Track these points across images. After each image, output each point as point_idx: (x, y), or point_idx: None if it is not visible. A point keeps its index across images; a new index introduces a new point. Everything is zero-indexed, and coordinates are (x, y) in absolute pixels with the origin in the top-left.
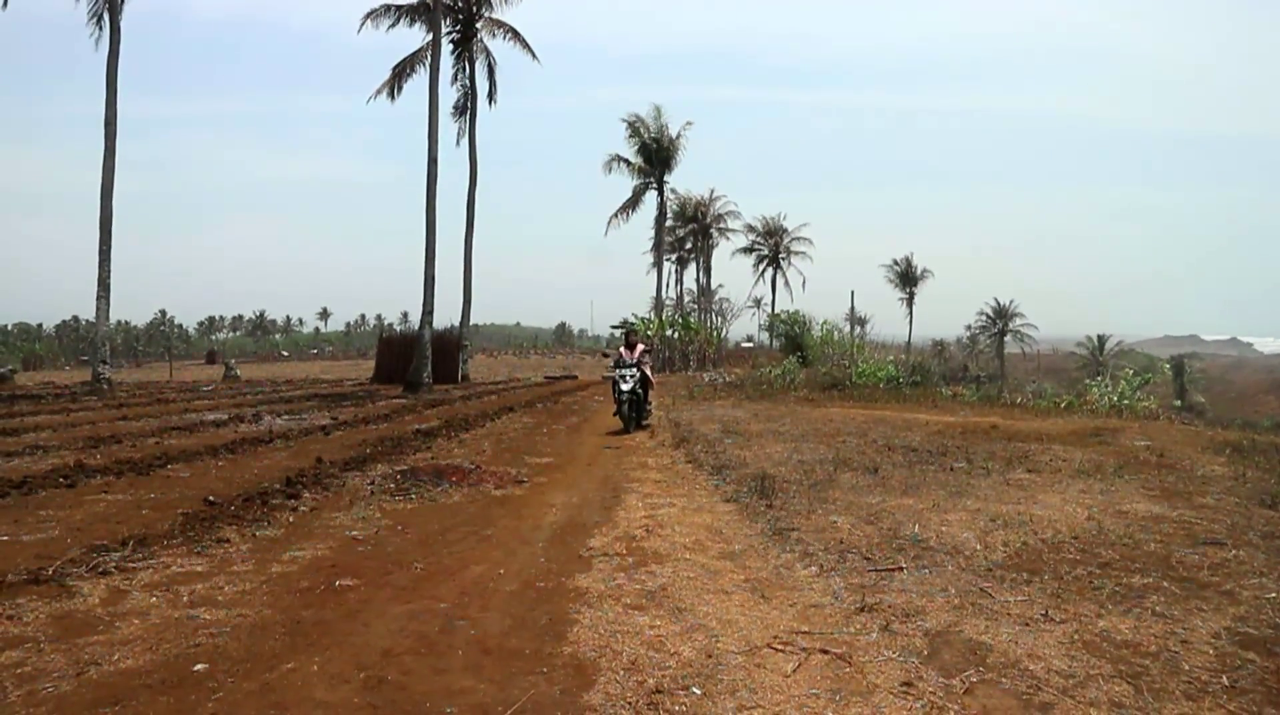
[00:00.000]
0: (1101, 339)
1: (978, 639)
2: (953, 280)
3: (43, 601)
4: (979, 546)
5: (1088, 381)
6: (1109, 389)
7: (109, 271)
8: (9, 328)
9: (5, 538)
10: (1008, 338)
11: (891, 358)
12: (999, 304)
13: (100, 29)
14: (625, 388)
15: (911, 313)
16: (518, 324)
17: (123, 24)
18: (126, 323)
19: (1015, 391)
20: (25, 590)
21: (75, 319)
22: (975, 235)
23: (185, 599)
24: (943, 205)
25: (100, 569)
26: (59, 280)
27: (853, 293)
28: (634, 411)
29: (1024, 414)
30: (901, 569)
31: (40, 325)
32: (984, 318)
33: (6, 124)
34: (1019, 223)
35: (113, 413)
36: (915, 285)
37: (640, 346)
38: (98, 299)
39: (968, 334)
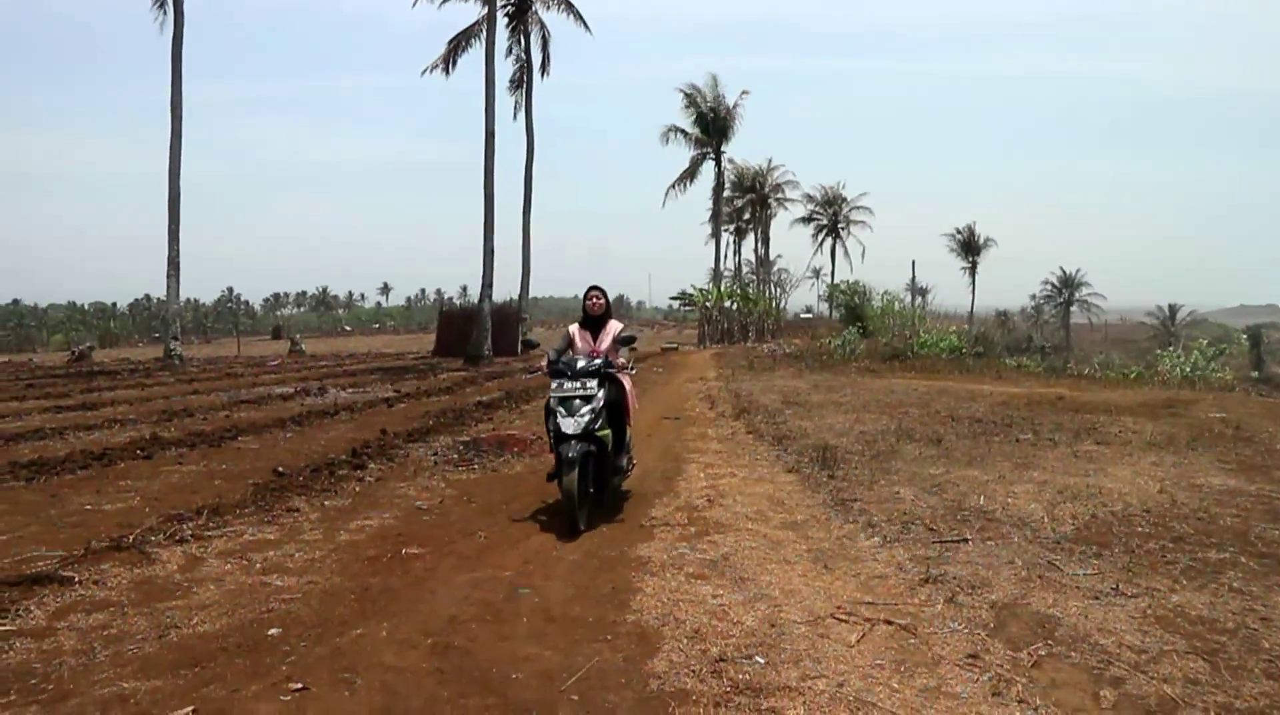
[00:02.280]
0: (1173, 308)
1: (1046, 612)
2: (1017, 249)
3: (125, 567)
4: (1046, 519)
5: (1158, 352)
6: (1181, 360)
7: (178, 251)
8: (86, 307)
9: (89, 507)
10: (1074, 308)
11: (954, 328)
12: (1065, 273)
13: (164, 13)
14: (569, 429)
15: (974, 282)
16: (575, 296)
17: (185, 8)
18: (196, 300)
19: (1082, 362)
20: (109, 556)
21: (147, 297)
22: (1041, 203)
23: (258, 566)
24: (1007, 173)
25: (177, 537)
26: (131, 260)
27: (914, 262)
28: (589, 478)
29: (1092, 385)
30: (967, 540)
31: (115, 304)
32: (1049, 287)
33: (79, 112)
34: (1087, 191)
35: (185, 387)
36: (978, 254)
37: (614, 325)
38: (168, 278)
39: (1032, 304)
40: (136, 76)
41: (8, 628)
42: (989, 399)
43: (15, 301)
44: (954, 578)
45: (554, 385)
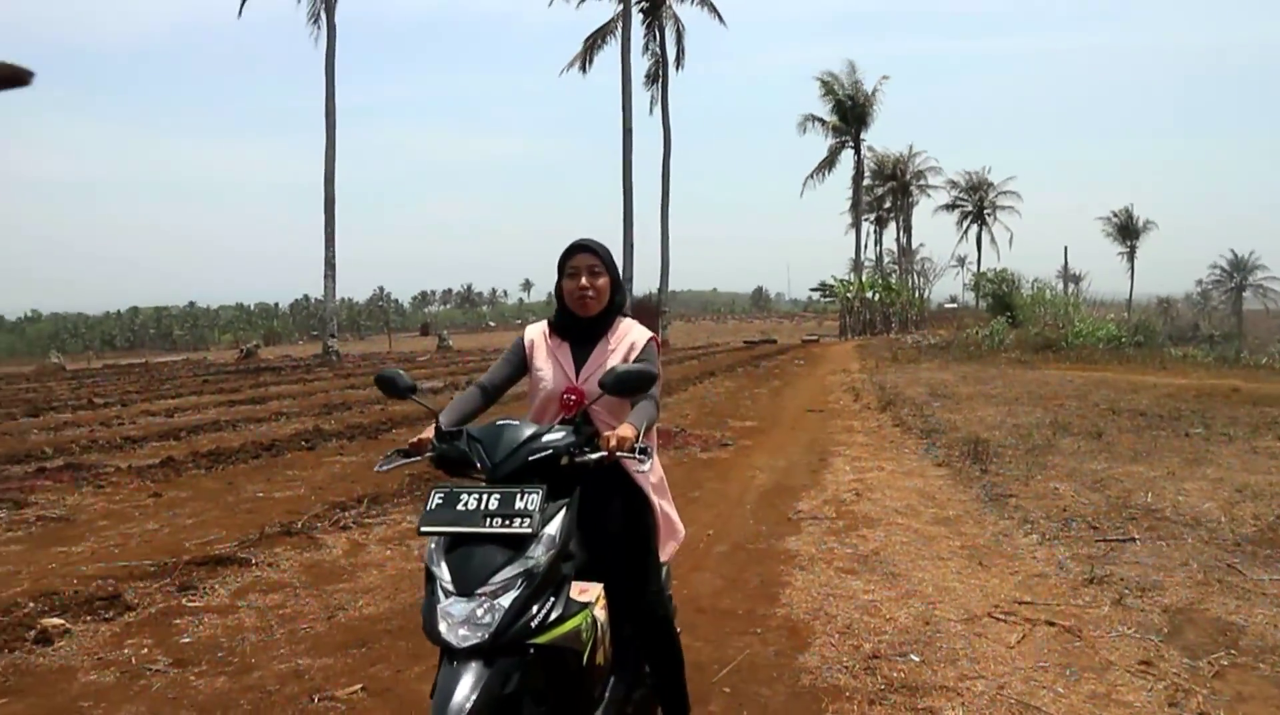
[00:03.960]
0: None
1: (1227, 619)
2: (1180, 232)
3: (295, 551)
4: (1223, 518)
5: None
6: None
7: (334, 252)
8: (252, 307)
9: (260, 494)
10: (1247, 293)
11: (1111, 316)
12: (1236, 256)
13: (318, 26)
14: (459, 639)
15: (1133, 268)
16: (714, 289)
17: (337, 20)
18: (350, 299)
19: (1258, 352)
20: (280, 541)
21: (306, 297)
22: (1209, 182)
23: (416, 552)
24: (1170, 151)
25: (341, 524)
26: (291, 262)
27: (1066, 248)
28: None
29: (1270, 376)
30: (1134, 540)
31: (277, 304)
32: (1218, 271)
33: (241, 121)
34: (1261, 166)
35: (342, 382)
36: (1136, 238)
37: (629, 334)
38: (325, 278)
39: (1198, 290)
40: (292, 88)
41: (197, 604)
42: (1153, 391)
43: (191, 303)
44: (1121, 579)
45: (433, 500)
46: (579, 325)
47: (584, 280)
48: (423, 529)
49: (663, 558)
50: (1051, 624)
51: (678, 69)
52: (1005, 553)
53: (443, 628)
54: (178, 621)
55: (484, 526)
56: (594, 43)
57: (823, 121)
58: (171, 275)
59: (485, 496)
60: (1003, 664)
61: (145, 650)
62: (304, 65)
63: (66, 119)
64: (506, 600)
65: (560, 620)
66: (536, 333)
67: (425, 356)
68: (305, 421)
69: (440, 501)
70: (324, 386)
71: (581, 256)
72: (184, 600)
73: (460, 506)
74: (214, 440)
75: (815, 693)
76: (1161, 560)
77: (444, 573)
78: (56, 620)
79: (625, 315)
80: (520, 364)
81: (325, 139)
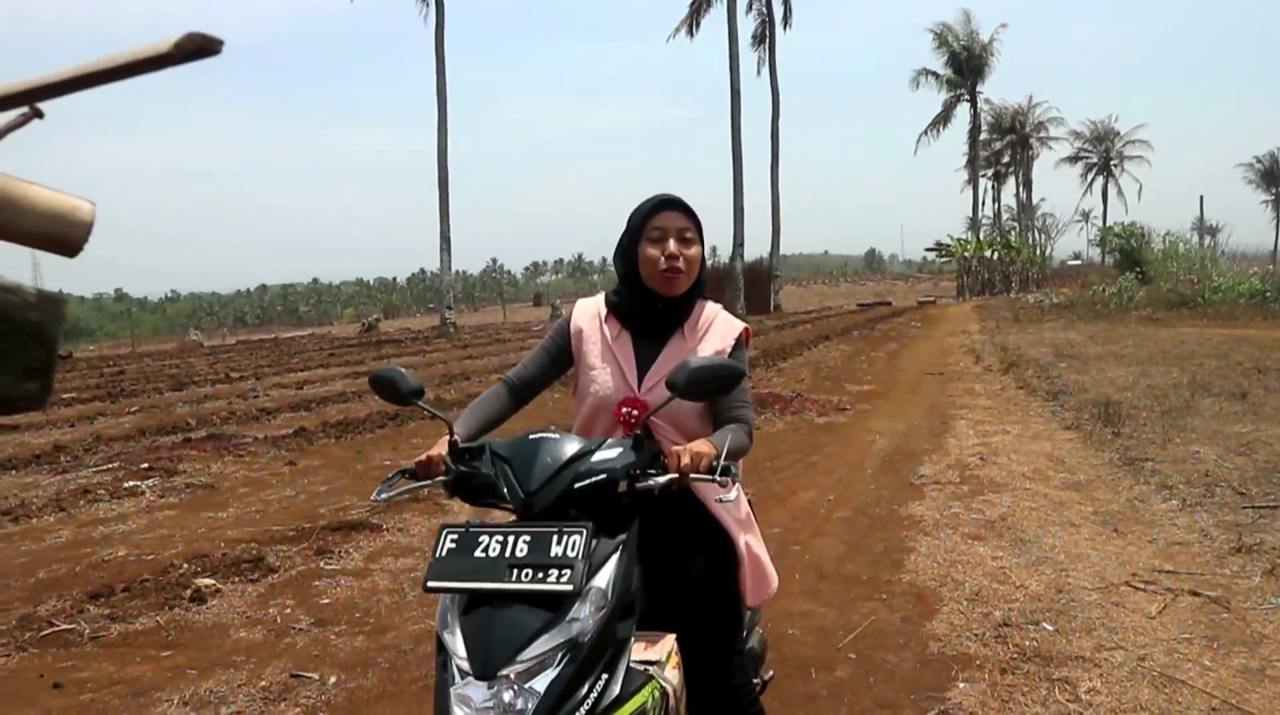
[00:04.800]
0: None
1: None
2: None
3: (423, 517)
4: None
5: None
6: None
7: (449, 227)
8: (371, 282)
9: (388, 462)
10: None
11: (1254, 270)
12: None
13: (426, 5)
14: None
15: (1279, 217)
16: (825, 252)
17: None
18: (464, 272)
19: None
20: (409, 507)
21: (422, 271)
22: None
23: None
24: None
25: None
26: (408, 238)
27: (1201, 198)
28: None
29: None
30: None
31: (395, 278)
32: None
33: (359, 104)
34: None
35: (459, 352)
36: None
37: (714, 323)
38: (441, 252)
39: None
40: (408, 69)
41: (335, 567)
42: None
43: (315, 280)
44: (1273, 548)
45: (444, 544)
46: (652, 309)
47: (672, 246)
48: (429, 584)
49: (747, 605)
50: (1196, 594)
51: (785, 28)
52: (1142, 519)
53: None
54: (317, 583)
55: (510, 581)
56: (700, 5)
57: (936, 75)
58: (295, 254)
59: (512, 538)
60: (1143, 635)
61: (289, 610)
62: (418, 46)
63: (203, 110)
64: (542, 683)
65: (619, 701)
66: (588, 315)
67: (539, 326)
68: (427, 392)
69: (453, 546)
70: (442, 357)
71: (670, 215)
72: (321, 563)
73: (479, 553)
74: (342, 411)
75: (944, 660)
76: None
77: (458, 645)
78: (209, 580)
79: (706, 297)
80: (562, 356)
81: (437, 117)
